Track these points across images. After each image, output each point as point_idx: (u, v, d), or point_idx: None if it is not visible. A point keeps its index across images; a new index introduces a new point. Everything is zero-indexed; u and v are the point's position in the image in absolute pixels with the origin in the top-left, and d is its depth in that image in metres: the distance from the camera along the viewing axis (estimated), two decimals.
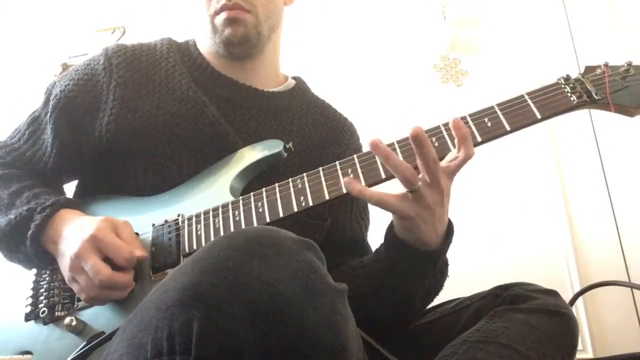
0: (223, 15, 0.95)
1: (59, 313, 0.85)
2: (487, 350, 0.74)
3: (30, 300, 0.89)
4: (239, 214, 0.81)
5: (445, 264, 0.86)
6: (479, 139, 0.76)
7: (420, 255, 0.77)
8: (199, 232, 0.82)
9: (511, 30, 1.95)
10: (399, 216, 0.75)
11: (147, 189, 0.92)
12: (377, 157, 0.78)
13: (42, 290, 0.89)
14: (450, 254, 0.84)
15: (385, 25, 2.09)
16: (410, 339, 0.90)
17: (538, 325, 0.78)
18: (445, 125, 0.78)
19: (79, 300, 0.83)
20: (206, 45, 1.03)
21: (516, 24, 1.95)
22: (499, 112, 0.77)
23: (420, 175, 0.72)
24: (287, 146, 0.94)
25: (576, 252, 1.75)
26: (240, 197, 0.84)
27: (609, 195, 1.75)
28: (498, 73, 1.91)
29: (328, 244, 0.87)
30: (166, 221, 0.86)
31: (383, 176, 0.76)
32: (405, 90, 2.00)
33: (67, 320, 0.81)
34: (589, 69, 0.80)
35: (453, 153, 0.75)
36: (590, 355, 1.66)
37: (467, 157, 0.73)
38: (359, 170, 0.78)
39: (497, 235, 1.82)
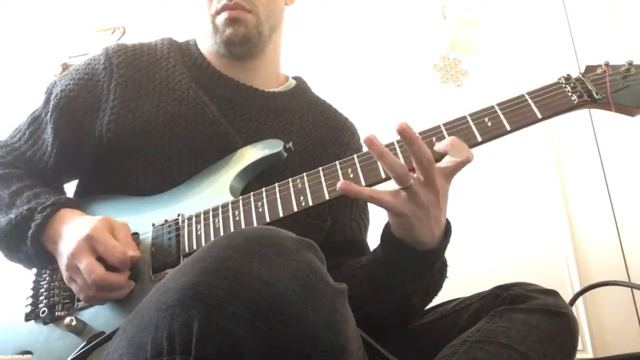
0: (224, 15, 0.95)
1: (59, 313, 0.85)
2: (487, 350, 0.74)
3: (30, 300, 0.89)
4: (239, 214, 0.81)
5: (444, 264, 0.86)
6: (479, 139, 0.76)
7: (416, 254, 0.77)
8: (198, 232, 0.82)
9: (511, 30, 1.95)
10: (393, 214, 0.75)
11: (147, 189, 0.92)
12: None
13: (42, 290, 0.89)
14: (450, 254, 0.84)
15: (385, 25, 2.09)
16: (410, 339, 0.90)
17: (538, 325, 0.78)
18: (446, 125, 0.78)
19: (79, 300, 0.83)
20: (207, 45, 1.03)
21: (516, 24, 1.95)
22: (499, 112, 0.77)
23: (415, 174, 0.71)
24: (287, 146, 0.94)
25: (576, 252, 1.75)
26: (240, 197, 0.84)
27: (609, 195, 1.75)
28: (498, 73, 1.91)
29: (328, 244, 0.87)
30: (166, 221, 0.86)
31: (383, 176, 0.76)
32: (405, 90, 2.00)
33: (67, 320, 0.81)
34: (590, 69, 0.80)
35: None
36: (590, 355, 1.66)
37: (466, 160, 0.72)
38: (359, 170, 0.78)
39: (497, 235, 1.82)
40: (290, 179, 0.82)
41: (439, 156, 0.75)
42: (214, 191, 0.88)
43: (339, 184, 0.72)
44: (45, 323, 0.85)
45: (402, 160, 0.75)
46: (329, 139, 1.06)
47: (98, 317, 0.82)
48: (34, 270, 0.92)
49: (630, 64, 0.77)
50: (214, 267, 0.49)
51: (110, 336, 0.70)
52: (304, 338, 0.48)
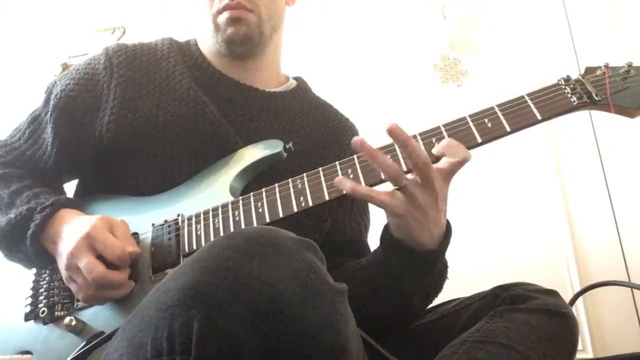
0: (225, 15, 0.95)
1: (59, 313, 0.85)
2: (487, 350, 0.74)
3: (30, 300, 0.89)
4: (239, 214, 0.81)
5: (445, 265, 0.86)
6: (479, 140, 0.76)
7: (416, 255, 0.77)
8: (198, 232, 0.82)
9: (511, 30, 1.95)
10: (391, 214, 0.75)
11: (147, 189, 0.92)
12: None
13: (42, 290, 0.89)
14: (450, 255, 0.84)
15: (385, 25, 2.09)
16: (410, 339, 0.90)
17: (538, 325, 0.78)
18: (446, 125, 0.78)
19: (78, 300, 0.82)
20: (208, 44, 1.03)
21: (516, 24, 1.95)
22: (499, 113, 0.77)
23: (411, 176, 0.71)
24: (287, 146, 0.94)
25: (576, 252, 1.75)
26: (240, 197, 0.84)
27: (609, 195, 1.75)
28: (498, 73, 1.91)
29: (328, 244, 0.87)
30: (166, 221, 0.86)
31: (383, 177, 0.76)
32: (405, 90, 2.00)
33: (66, 320, 0.81)
34: (589, 70, 0.80)
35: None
36: (590, 355, 1.66)
37: (464, 160, 0.72)
38: (359, 171, 0.78)
39: (497, 236, 1.82)
40: (290, 180, 0.82)
41: (436, 159, 0.75)
42: (213, 191, 0.88)
43: (335, 180, 0.72)
44: (44, 323, 0.85)
45: (402, 161, 0.76)
46: (330, 139, 1.06)
47: (98, 317, 0.82)
48: (34, 270, 0.92)
49: (629, 65, 0.77)
50: (214, 267, 0.49)
51: (110, 336, 0.70)
52: (304, 338, 0.48)
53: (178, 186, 0.91)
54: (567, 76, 0.79)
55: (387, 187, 0.74)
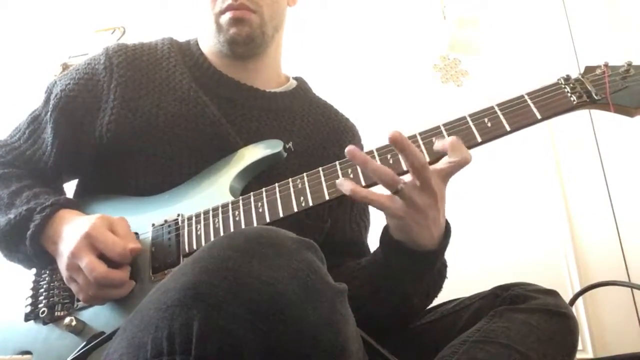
0: (228, 15, 0.95)
1: (59, 313, 0.85)
2: (487, 350, 0.74)
3: (30, 300, 0.89)
4: (239, 214, 0.81)
5: (444, 265, 0.86)
6: (479, 139, 0.76)
7: (416, 256, 0.77)
8: (198, 232, 0.82)
9: (511, 30, 1.95)
10: (390, 216, 0.75)
11: (147, 189, 0.92)
12: (377, 158, 0.78)
13: (42, 290, 0.89)
14: (450, 255, 0.83)
15: (385, 25, 2.09)
16: (410, 339, 0.90)
17: (538, 325, 0.78)
18: (446, 125, 0.78)
19: (78, 300, 0.82)
20: (209, 44, 1.03)
21: (516, 24, 1.95)
22: (498, 112, 0.77)
23: (409, 179, 0.71)
24: (287, 146, 0.94)
25: (576, 252, 1.75)
26: (240, 197, 0.84)
27: (609, 195, 1.75)
28: (498, 73, 1.91)
29: (328, 244, 0.87)
30: (166, 221, 0.86)
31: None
32: (405, 90, 2.00)
33: (66, 320, 0.81)
34: (589, 69, 0.79)
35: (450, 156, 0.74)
36: (590, 355, 1.66)
37: (464, 162, 0.72)
38: (359, 170, 0.78)
39: (497, 236, 1.82)
40: (290, 179, 0.82)
41: (435, 158, 0.75)
42: (214, 191, 0.88)
43: (337, 181, 0.72)
44: (44, 323, 0.85)
45: (401, 161, 0.76)
46: (330, 139, 1.06)
47: (98, 317, 0.82)
48: (34, 270, 0.92)
49: (629, 64, 0.77)
50: (214, 267, 0.49)
51: (110, 336, 0.70)
52: (304, 338, 0.48)
53: (178, 186, 0.91)
54: (567, 75, 0.79)
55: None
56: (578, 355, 0.97)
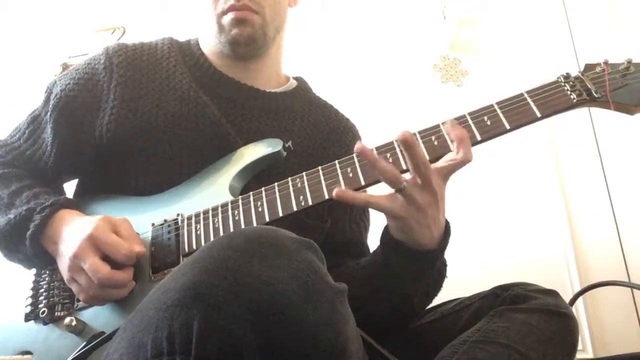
0: (230, 16, 0.95)
1: (59, 313, 0.85)
2: (487, 350, 0.74)
3: (30, 301, 0.88)
4: (238, 213, 0.81)
5: (444, 264, 0.86)
6: (479, 138, 0.76)
7: (416, 255, 0.77)
8: (198, 232, 0.82)
9: (511, 30, 1.95)
10: (391, 216, 0.75)
11: (147, 189, 0.92)
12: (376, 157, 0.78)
13: (42, 290, 0.89)
14: (450, 254, 0.83)
15: (385, 25, 2.09)
16: (410, 339, 0.90)
17: (538, 325, 0.78)
18: (445, 124, 0.78)
19: (78, 300, 0.82)
20: (210, 44, 1.03)
21: (516, 24, 1.95)
22: (498, 111, 0.77)
23: (410, 177, 0.72)
24: (287, 145, 0.94)
25: (576, 252, 1.75)
26: (240, 197, 0.84)
27: (609, 195, 1.75)
28: (498, 73, 1.91)
29: (327, 244, 0.87)
30: (165, 221, 0.86)
31: (382, 180, 0.76)
32: (405, 90, 2.00)
33: (67, 320, 0.81)
34: (589, 67, 0.79)
35: (452, 154, 0.74)
36: (590, 355, 1.66)
37: (465, 161, 0.72)
38: (359, 170, 0.78)
39: (497, 235, 1.82)
40: (289, 179, 0.82)
41: (435, 157, 0.75)
42: (213, 191, 0.88)
43: (334, 192, 0.72)
44: (45, 323, 0.85)
45: (401, 160, 0.76)
46: (330, 139, 1.06)
47: (98, 317, 0.82)
48: (34, 270, 0.92)
49: (629, 62, 0.76)
50: (214, 267, 0.49)
51: (110, 336, 0.70)
52: (304, 338, 0.48)
53: (177, 186, 0.91)
54: (567, 73, 0.79)
55: (386, 186, 0.74)
56: (578, 355, 0.97)
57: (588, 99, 0.76)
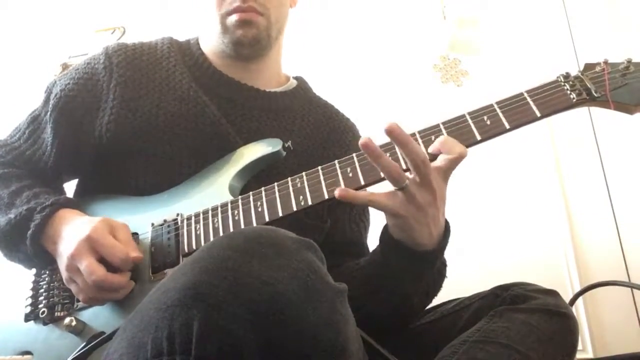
0: (235, 17, 0.94)
1: (59, 313, 0.85)
2: (487, 350, 0.74)
3: (30, 301, 0.89)
4: (238, 213, 0.81)
5: (444, 264, 0.86)
6: (479, 138, 0.76)
7: (416, 255, 0.77)
8: (198, 232, 0.82)
9: (511, 30, 1.95)
10: (391, 215, 0.75)
11: (147, 189, 0.92)
12: None
13: (42, 290, 0.89)
14: (450, 254, 0.83)
15: (385, 25, 2.09)
16: (410, 339, 0.90)
17: (538, 325, 0.78)
18: (445, 123, 0.78)
19: (78, 300, 0.82)
20: (211, 44, 1.02)
21: (516, 24, 1.95)
22: (498, 111, 0.77)
23: (411, 175, 0.72)
24: (286, 145, 0.94)
25: (576, 252, 1.75)
26: (240, 197, 0.84)
27: (609, 195, 1.75)
28: (498, 73, 1.91)
29: (327, 244, 0.87)
30: (165, 221, 0.86)
31: (382, 175, 0.76)
32: (405, 90, 2.00)
33: (66, 320, 0.81)
34: (589, 67, 0.79)
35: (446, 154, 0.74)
36: (590, 355, 1.66)
37: (461, 157, 0.72)
38: (358, 170, 0.78)
39: (497, 235, 1.82)
40: (289, 179, 0.82)
41: (434, 156, 0.75)
42: (213, 191, 0.88)
43: (336, 192, 0.72)
44: (44, 323, 0.85)
45: (401, 160, 0.76)
46: (330, 139, 1.06)
47: (98, 317, 0.82)
48: (34, 270, 0.92)
49: (629, 62, 0.76)
50: (214, 267, 0.49)
51: (110, 336, 0.70)
52: (304, 338, 0.48)
53: (177, 186, 0.91)
54: (567, 73, 0.79)
55: (386, 186, 0.74)
56: (578, 355, 0.97)
57: (588, 99, 0.76)
